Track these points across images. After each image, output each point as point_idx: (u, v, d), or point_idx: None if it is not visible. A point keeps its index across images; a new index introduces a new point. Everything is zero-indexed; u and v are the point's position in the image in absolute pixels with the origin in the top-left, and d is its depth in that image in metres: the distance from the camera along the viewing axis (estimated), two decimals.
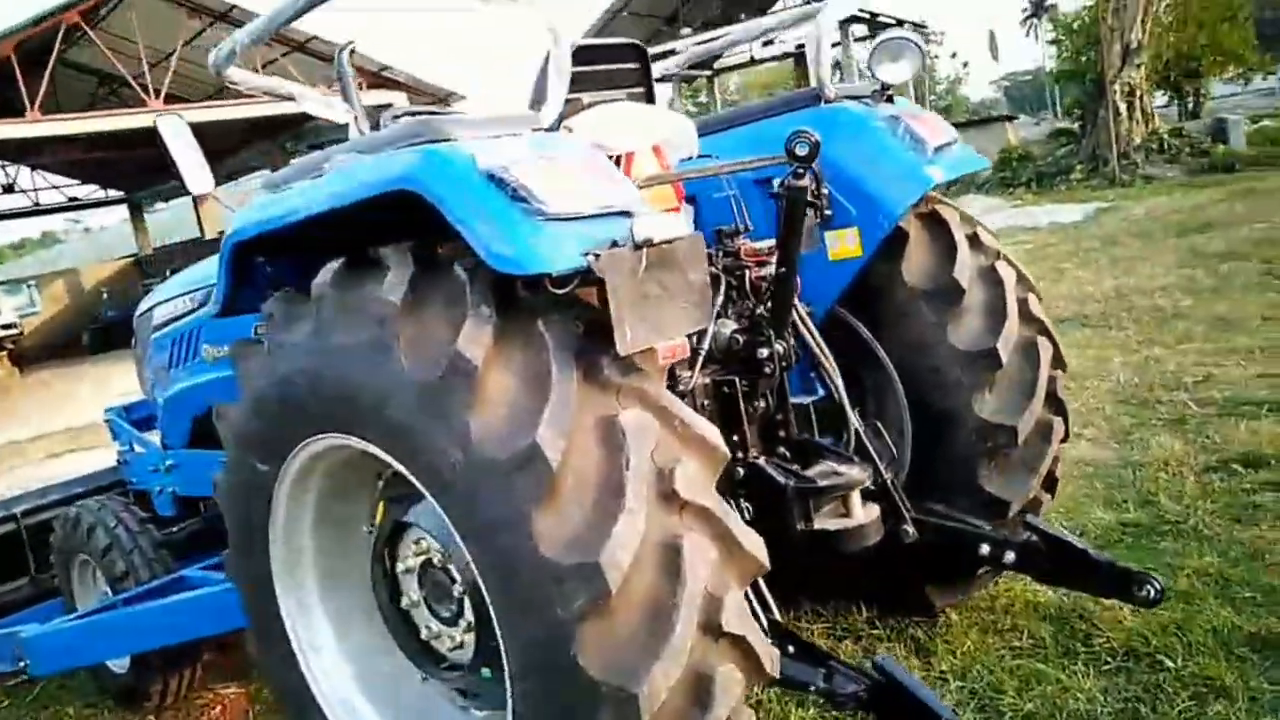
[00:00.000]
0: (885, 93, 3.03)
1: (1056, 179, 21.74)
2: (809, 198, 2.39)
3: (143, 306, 4.35)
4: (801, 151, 2.31)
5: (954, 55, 77.13)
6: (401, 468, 2.00)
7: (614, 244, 1.79)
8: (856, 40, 32.51)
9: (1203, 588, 3.20)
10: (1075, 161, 22.13)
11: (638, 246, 1.79)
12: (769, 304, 2.57)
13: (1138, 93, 21.22)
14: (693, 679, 1.78)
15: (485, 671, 2.22)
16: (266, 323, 2.30)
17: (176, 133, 3.12)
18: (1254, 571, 3.25)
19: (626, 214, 1.90)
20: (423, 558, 2.31)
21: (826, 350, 2.74)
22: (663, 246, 1.83)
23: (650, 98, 3.04)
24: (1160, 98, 30.66)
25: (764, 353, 2.52)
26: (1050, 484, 3.08)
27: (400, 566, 2.38)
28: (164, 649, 3.43)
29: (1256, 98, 39.95)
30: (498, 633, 1.90)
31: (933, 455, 2.96)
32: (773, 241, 2.58)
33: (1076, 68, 29.00)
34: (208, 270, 3.96)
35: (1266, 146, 20.80)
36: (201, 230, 24.31)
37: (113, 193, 34.48)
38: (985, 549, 2.79)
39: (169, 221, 44.22)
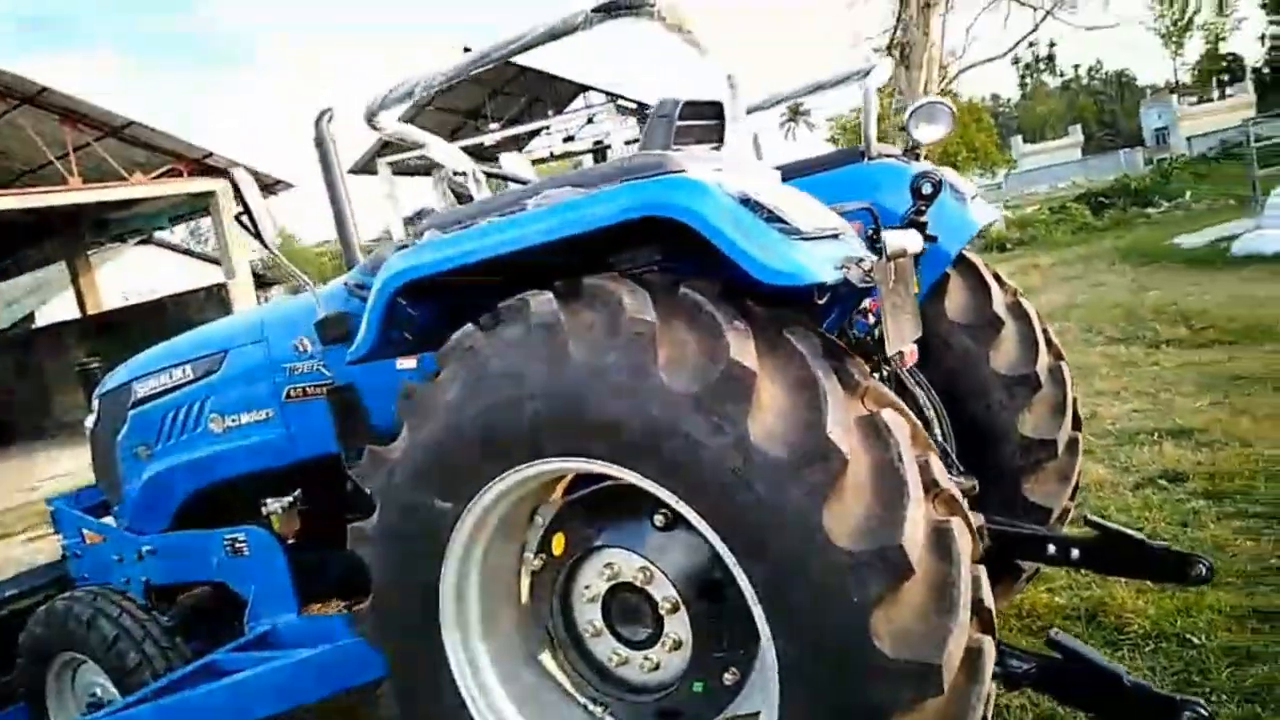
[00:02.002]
0: (916, 151, 3.41)
1: None
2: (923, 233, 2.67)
3: (110, 384, 4.08)
4: (927, 190, 2.60)
5: None
6: (647, 483, 2.06)
7: (879, 256, 1.98)
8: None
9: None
10: None
11: (889, 258, 1.99)
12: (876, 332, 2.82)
13: None
14: (967, 651, 1.94)
15: (697, 686, 2.27)
16: (452, 356, 2.28)
17: (249, 184, 3.06)
18: (1227, 562, 3.74)
19: (836, 235, 2.11)
20: (612, 583, 2.35)
21: (920, 375, 3.01)
22: (899, 260, 2.04)
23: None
24: None
25: (884, 372, 2.75)
26: (1074, 492, 3.47)
27: (583, 596, 2.40)
28: None
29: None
30: (766, 634, 1.98)
31: (980, 469, 3.27)
32: None
33: None
34: (201, 339, 3.80)
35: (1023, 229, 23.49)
36: (83, 306, 21.67)
37: None
38: (1052, 549, 3.10)
39: None
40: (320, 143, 4.06)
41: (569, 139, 36.89)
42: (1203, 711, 2.25)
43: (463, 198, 3.20)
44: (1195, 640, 3.23)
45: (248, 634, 3.53)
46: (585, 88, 32.26)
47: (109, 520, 4.16)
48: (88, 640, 3.41)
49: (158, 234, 30.33)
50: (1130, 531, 3.01)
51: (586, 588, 2.40)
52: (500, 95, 33.11)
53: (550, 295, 2.17)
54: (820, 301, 2.00)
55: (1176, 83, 72.92)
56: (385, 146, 31.70)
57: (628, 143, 34.89)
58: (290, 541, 3.58)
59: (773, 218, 2.00)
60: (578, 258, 2.26)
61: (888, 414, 2.00)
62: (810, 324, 2.09)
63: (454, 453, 2.27)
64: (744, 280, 2.06)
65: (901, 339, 2.00)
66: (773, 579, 1.94)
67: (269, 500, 3.65)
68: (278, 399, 3.45)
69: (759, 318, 2.07)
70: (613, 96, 31.60)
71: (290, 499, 3.61)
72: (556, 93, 33.77)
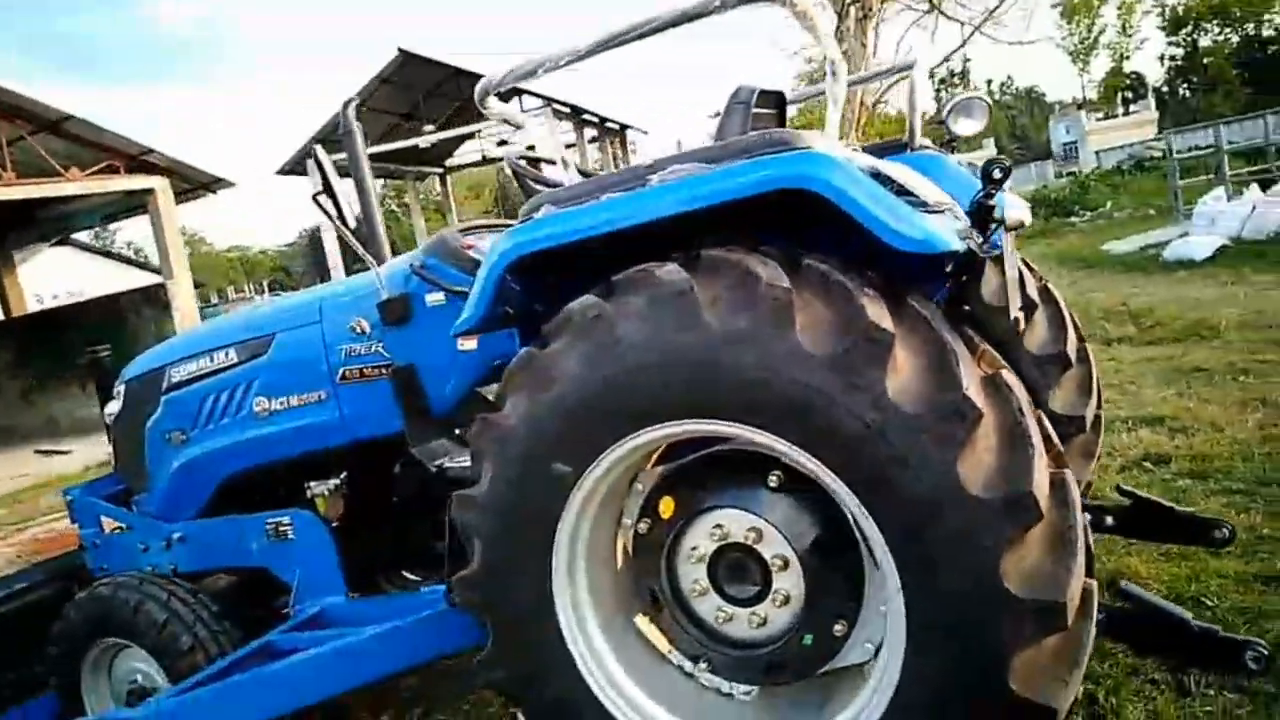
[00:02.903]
0: (952, 144, 3.60)
1: None
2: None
3: (137, 370, 4.03)
4: (997, 175, 2.77)
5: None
6: (778, 441, 2.17)
7: (1000, 225, 2.13)
8: (591, 142, 34.38)
9: (1189, 549, 3.91)
10: None
11: (1008, 229, 2.15)
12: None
13: None
14: (1082, 590, 2.10)
15: (807, 639, 2.40)
16: (571, 325, 2.35)
17: (327, 161, 3.10)
18: None
19: (949, 209, 2.27)
20: (721, 544, 2.45)
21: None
22: (1013, 232, 2.20)
23: None
24: None
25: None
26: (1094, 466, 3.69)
27: (690, 557, 2.50)
28: None
29: None
30: (894, 582, 2.11)
31: None
32: None
33: None
34: (245, 322, 3.79)
35: None
36: (7, 308, 20.40)
37: None
38: (1088, 516, 3.30)
39: None
40: (348, 132, 4.10)
41: (502, 143, 36.74)
42: (1263, 650, 2.46)
43: (526, 183, 3.29)
44: (1209, 602, 3.46)
45: (295, 616, 3.54)
46: (519, 91, 32.12)
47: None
48: (135, 625, 3.38)
49: (74, 235, 29.30)
50: (1159, 500, 3.23)
51: (694, 549, 2.50)
52: (433, 97, 32.85)
53: (677, 266, 2.27)
54: (947, 269, 2.15)
55: (1084, 99, 75.96)
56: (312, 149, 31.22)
57: (568, 147, 35.09)
58: (334, 525, 3.60)
59: (902, 190, 2.15)
60: (692, 233, 2.36)
61: (1006, 374, 2.15)
62: (926, 292, 2.24)
63: (577, 417, 2.35)
64: (861, 253, 2.21)
65: (1016, 305, 2.16)
66: (907, 528, 2.07)
67: (313, 484, 3.66)
68: (331, 381, 3.47)
69: (881, 286, 2.20)
70: (548, 100, 31.62)
71: (336, 482, 3.63)
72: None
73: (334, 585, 3.56)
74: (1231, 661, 2.55)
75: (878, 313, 2.09)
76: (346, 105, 4.10)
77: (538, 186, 3.22)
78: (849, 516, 2.35)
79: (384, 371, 3.41)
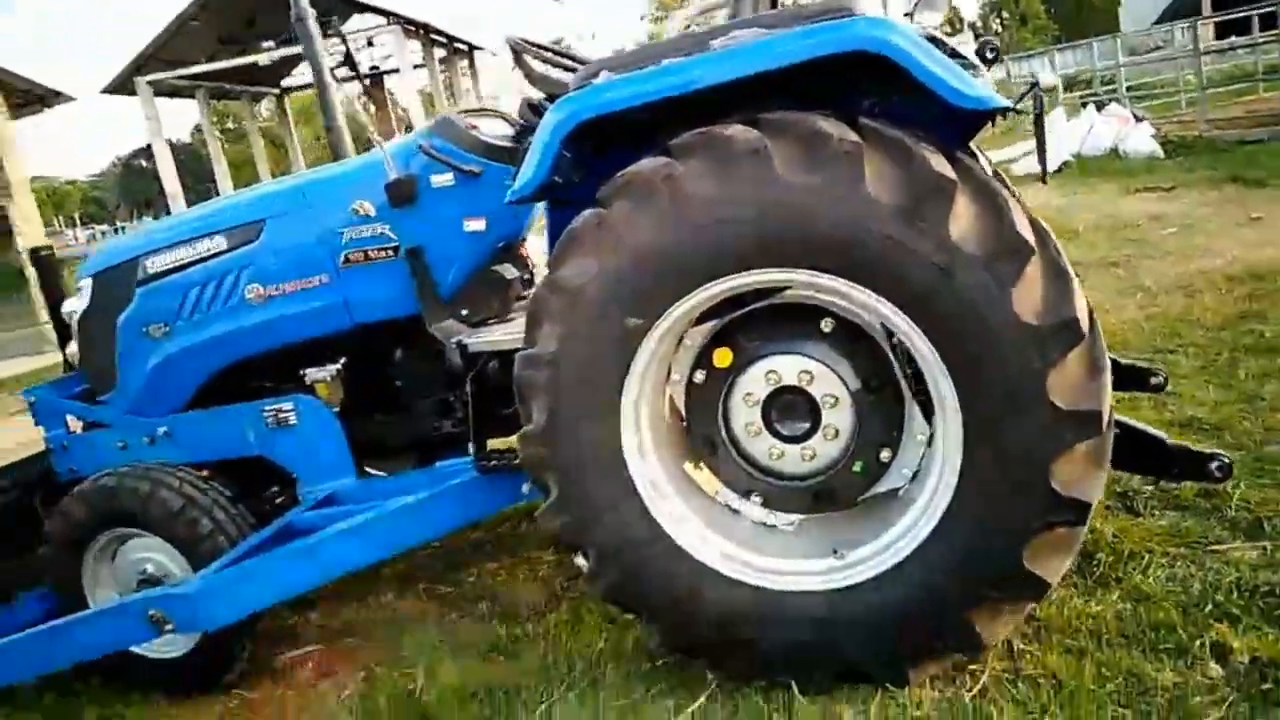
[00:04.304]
0: None
1: None
2: None
3: (105, 262, 3.88)
4: (989, 55, 3.02)
5: None
6: (847, 286, 2.40)
7: (1033, 86, 2.41)
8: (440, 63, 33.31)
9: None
10: None
11: (1044, 90, 2.42)
12: None
13: None
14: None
15: (857, 466, 2.68)
16: (633, 186, 2.48)
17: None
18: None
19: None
20: (774, 387, 2.69)
21: None
22: (1043, 95, 2.48)
23: None
24: None
25: None
26: None
27: (744, 403, 2.72)
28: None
29: None
30: (953, 404, 2.39)
31: None
32: None
33: None
34: (230, 208, 3.72)
35: None
36: None
37: None
38: None
39: None
40: (300, 19, 4.03)
41: (344, 64, 34.99)
42: (1226, 460, 2.91)
43: (526, 64, 3.34)
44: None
45: (305, 500, 3.59)
46: (365, 7, 30.61)
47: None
48: (147, 513, 3.35)
49: None
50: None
51: (747, 395, 2.73)
52: (271, 13, 30.97)
53: (744, 126, 2.44)
54: (993, 126, 2.40)
55: None
56: (141, 67, 29.09)
57: (416, 66, 33.86)
58: (335, 410, 3.64)
59: (954, 53, 2.38)
60: (742, 100, 2.52)
61: (1040, 220, 2.45)
62: (969, 147, 2.50)
63: (651, 273, 2.51)
64: (901, 116, 2.44)
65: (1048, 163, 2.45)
66: (968, 356, 2.36)
67: (311, 370, 3.67)
68: (333, 264, 3.47)
69: (934, 141, 2.45)
70: (395, 18, 30.35)
71: (336, 368, 3.65)
72: (331, 11, 31.71)
73: (342, 468, 3.62)
74: (1200, 471, 2.98)
75: (940, 163, 2.34)
76: None
77: (539, 67, 3.29)
78: (890, 355, 2.64)
79: (389, 254, 3.44)
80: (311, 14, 3.91)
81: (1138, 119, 14.86)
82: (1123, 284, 6.70)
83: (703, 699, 2.78)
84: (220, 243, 3.59)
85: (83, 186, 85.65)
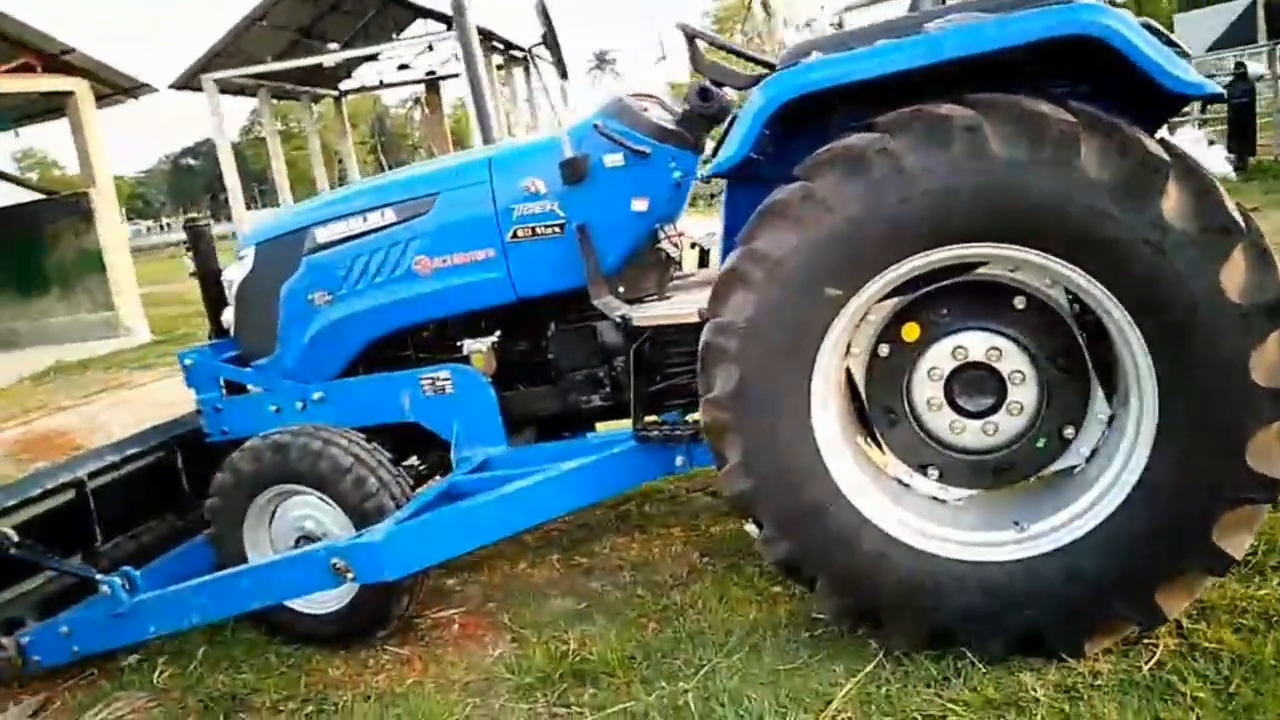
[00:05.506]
0: None
1: None
2: None
3: (271, 232, 4.06)
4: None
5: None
6: (1051, 260, 2.49)
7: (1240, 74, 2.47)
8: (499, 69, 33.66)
9: None
10: None
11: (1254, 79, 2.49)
12: None
13: None
14: None
15: (1040, 442, 2.76)
16: (840, 162, 2.57)
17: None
18: None
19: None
20: (960, 363, 2.77)
21: None
22: None
23: None
24: None
25: None
26: None
27: (927, 377, 2.81)
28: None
29: None
30: (1150, 380, 2.47)
31: None
32: None
33: None
34: (404, 182, 3.87)
35: None
36: None
37: None
38: None
39: None
40: (459, 9, 4.16)
41: (403, 67, 35.55)
42: None
43: (698, 52, 3.45)
44: None
45: (459, 466, 3.71)
46: (425, 12, 31.00)
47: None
48: (317, 471, 3.46)
49: None
50: None
51: (932, 369, 2.81)
52: (337, 13, 31.47)
53: (958, 105, 2.53)
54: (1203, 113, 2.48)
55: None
56: (209, 64, 29.60)
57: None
58: (489, 380, 3.76)
59: (1168, 41, 2.46)
60: (948, 83, 2.61)
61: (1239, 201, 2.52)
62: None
63: (856, 243, 2.59)
64: (1113, 99, 2.52)
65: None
66: (1172, 333, 2.43)
67: (468, 340, 3.80)
68: (501, 239, 3.60)
69: (1141, 124, 2.52)
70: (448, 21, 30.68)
71: (493, 340, 3.78)
72: (393, 16, 32.24)
73: (494, 436, 3.74)
74: None
75: (1153, 144, 2.42)
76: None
77: (713, 56, 3.40)
78: (1079, 335, 2.71)
79: (555, 230, 3.56)
80: (469, 5, 4.04)
81: (1210, 143, 14.78)
82: None
83: (871, 665, 2.86)
84: (390, 215, 3.74)
85: (129, 182, 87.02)
